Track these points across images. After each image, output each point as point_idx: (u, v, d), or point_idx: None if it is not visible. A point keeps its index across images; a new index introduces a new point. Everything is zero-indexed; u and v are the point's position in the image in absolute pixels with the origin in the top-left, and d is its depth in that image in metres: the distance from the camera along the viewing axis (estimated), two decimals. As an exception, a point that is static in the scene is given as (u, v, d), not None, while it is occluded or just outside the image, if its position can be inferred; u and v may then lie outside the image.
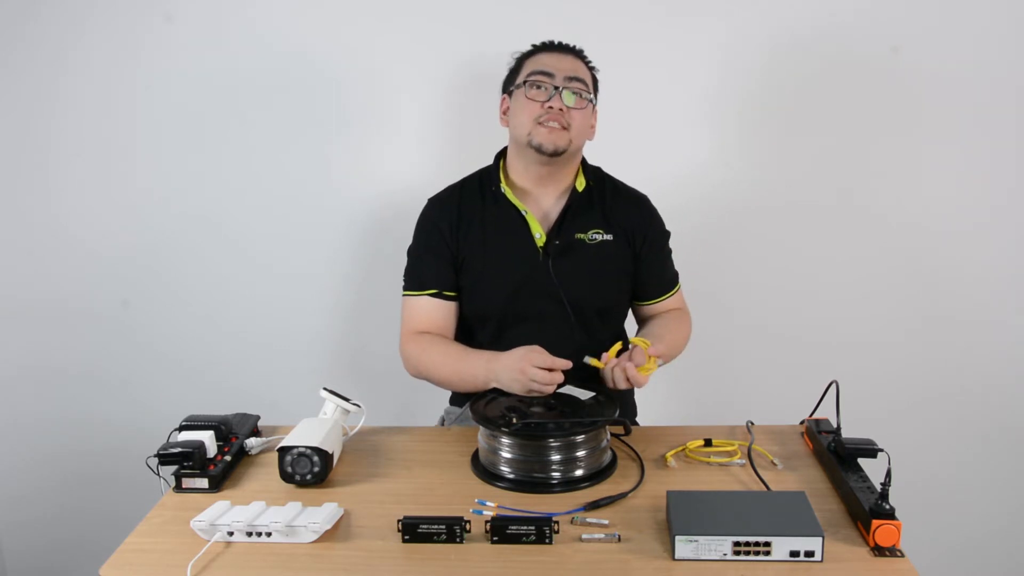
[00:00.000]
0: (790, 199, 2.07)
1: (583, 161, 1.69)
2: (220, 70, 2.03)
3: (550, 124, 1.55)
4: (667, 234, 1.73)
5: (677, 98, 2.02)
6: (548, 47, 1.63)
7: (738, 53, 1.99)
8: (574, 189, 1.65)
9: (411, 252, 1.69)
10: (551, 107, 1.55)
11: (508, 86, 1.66)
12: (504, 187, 1.63)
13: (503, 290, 1.62)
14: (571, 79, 1.57)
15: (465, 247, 1.63)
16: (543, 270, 1.61)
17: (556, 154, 1.57)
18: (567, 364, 1.41)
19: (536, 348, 1.43)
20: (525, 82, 1.58)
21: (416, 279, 1.66)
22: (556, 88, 1.56)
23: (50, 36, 2.02)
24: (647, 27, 1.98)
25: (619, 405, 1.44)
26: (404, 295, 1.68)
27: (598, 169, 1.72)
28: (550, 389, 1.41)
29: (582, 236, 1.63)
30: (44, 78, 2.04)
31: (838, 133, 2.03)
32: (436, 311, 1.65)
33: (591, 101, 1.61)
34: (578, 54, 1.64)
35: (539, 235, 1.62)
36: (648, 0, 1.97)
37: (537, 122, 1.56)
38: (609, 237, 1.64)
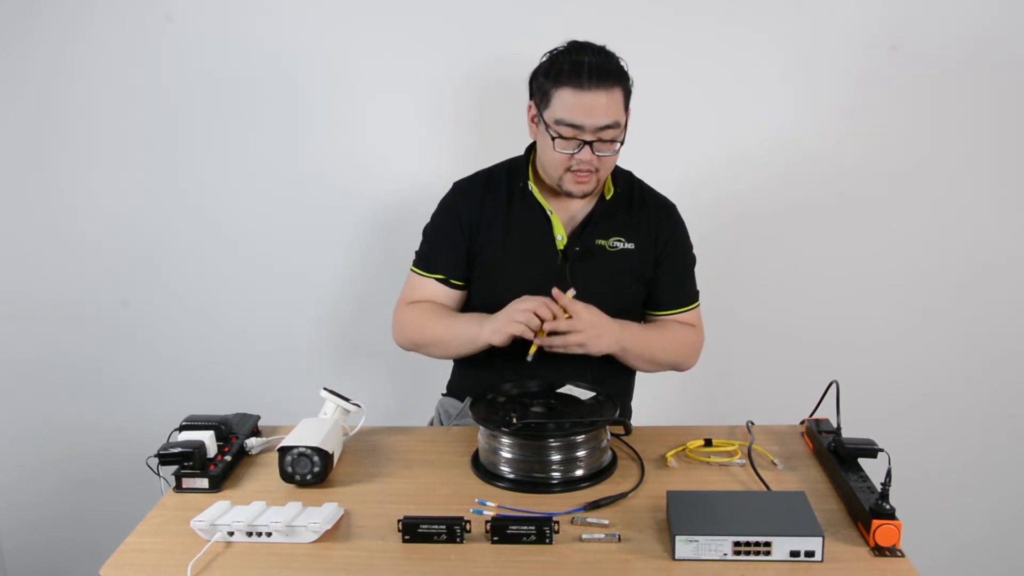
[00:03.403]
0: (790, 199, 2.07)
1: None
2: (220, 70, 2.03)
3: (580, 174, 1.52)
4: (690, 247, 1.70)
5: (675, 97, 2.02)
6: (577, 78, 1.46)
7: (737, 52, 1.99)
8: (601, 195, 1.63)
9: (427, 231, 1.69)
10: (580, 159, 1.50)
11: (537, 100, 1.54)
12: (532, 185, 1.62)
13: (517, 287, 1.60)
14: (602, 128, 1.47)
15: (484, 238, 1.63)
16: (559, 273, 1.60)
17: (585, 196, 1.58)
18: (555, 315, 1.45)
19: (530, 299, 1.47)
20: (554, 134, 1.49)
21: (427, 259, 1.67)
22: (585, 142, 1.48)
23: (50, 36, 2.02)
24: (648, 27, 1.98)
25: (619, 405, 1.44)
26: (412, 270, 1.68)
27: (629, 174, 1.70)
28: (530, 320, 1.45)
29: (603, 243, 1.62)
30: (44, 78, 2.04)
31: (838, 132, 2.03)
32: (439, 296, 1.65)
33: (622, 141, 1.53)
34: (610, 80, 1.47)
35: (561, 237, 1.62)
36: (652, 1, 1.97)
37: (566, 170, 1.53)
38: (631, 246, 1.63)
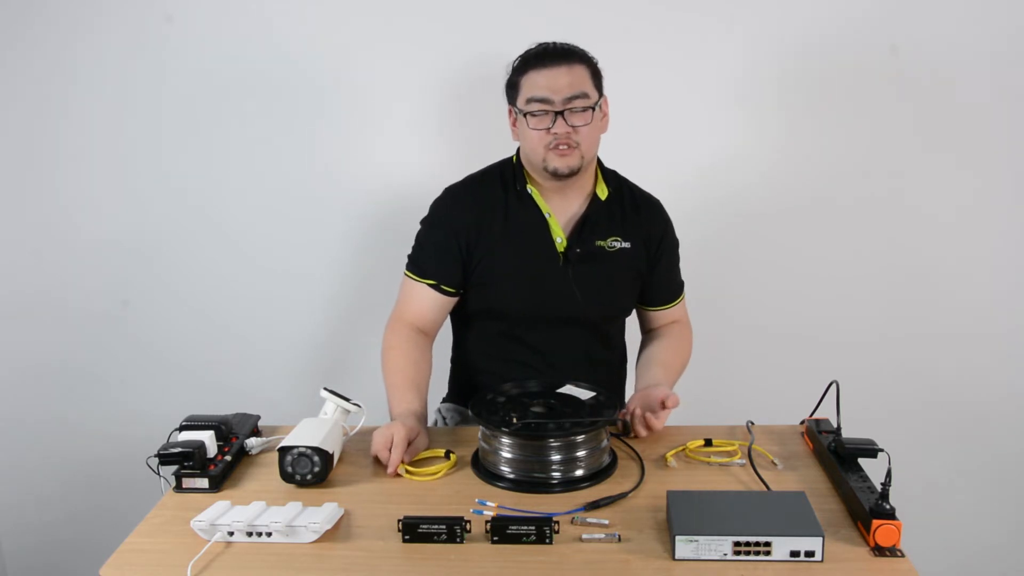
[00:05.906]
0: (789, 199, 2.07)
1: (601, 166, 1.68)
2: (220, 70, 2.03)
3: (560, 148, 1.54)
4: (677, 242, 1.73)
5: (675, 100, 2.02)
6: (540, 60, 1.55)
7: (737, 53, 1.99)
8: (595, 196, 1.64)
9: (419, 236, 1.69)
10: (556, 132, 1.53)
11: (510, 99, 1.61)
12: (530, 187, 1.62)
13: (520, 291, 1.62)
14: (570, 98, 1.53)
15: (482, 244, 1.62)
16: (562, 276, 1.61)
17: (572, 175, 1.57)
18: (395, 465, 1.38)
19: (397, 428, 1.41)
20: (526, 113, 1.55)
21: (419, 264, 1.66)
22: (557, 113, 1.53)
23: (51, 36, 2.02)
24: (648, 27, 1.98)
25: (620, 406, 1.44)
26: (405, 274, 1.68)
27: (615, 173, 1.71)
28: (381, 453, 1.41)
29: (602, 244, 1.63)
30: (44, 78, 2.04)
31: (838, 134, 2.03)
32: (430, 302, 1.65)
33: (595, 108, 1.56)
34: (572, 58, 1.56)
35: (560, 239, 1.62)
36: (651, 1, 1.97)
37: (547, 148, 1.55)
38: (627, 245, 1.64)
